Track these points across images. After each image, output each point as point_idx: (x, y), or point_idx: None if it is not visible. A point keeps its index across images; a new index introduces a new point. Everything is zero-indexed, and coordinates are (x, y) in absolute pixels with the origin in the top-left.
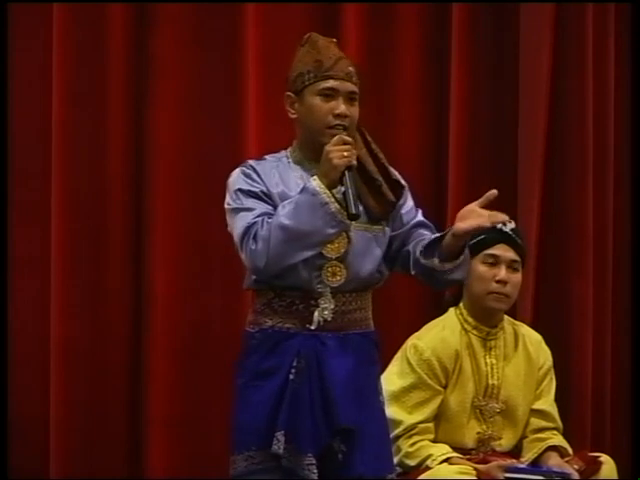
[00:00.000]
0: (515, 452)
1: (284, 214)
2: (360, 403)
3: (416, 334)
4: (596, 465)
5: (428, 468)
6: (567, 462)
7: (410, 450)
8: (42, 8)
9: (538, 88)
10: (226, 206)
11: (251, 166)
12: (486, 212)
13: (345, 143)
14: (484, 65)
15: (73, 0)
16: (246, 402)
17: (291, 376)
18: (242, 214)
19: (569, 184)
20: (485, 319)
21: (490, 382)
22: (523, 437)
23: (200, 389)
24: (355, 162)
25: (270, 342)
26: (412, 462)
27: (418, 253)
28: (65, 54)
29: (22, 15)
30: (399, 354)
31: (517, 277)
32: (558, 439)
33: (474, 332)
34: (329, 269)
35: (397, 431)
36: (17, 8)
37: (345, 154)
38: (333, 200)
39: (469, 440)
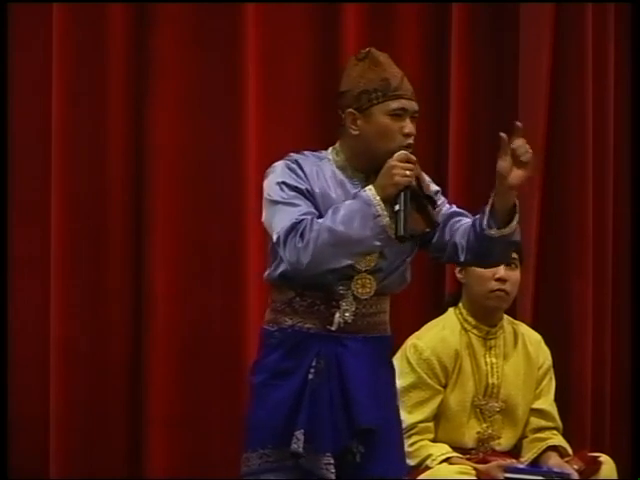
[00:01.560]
0: (515, 452)
1: (336, 218)
2: (378, 405)
3: (416, 334)
4: (596, 465)
5: (428, 468)
6: (567, 462)
7: (410, 450)
8: (42, 8)
9: (538, 88)
10: (267, 197)
11: (296, 161)
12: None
13: (409, 161)
14: (484, 65)
15: (73, 0)
16: (263, 400)
17: (310, 376)
18: (287, 209)
19: (569, 184)
20: (485, 318)
21: (490, 381)
22: (523, 437)
23: (200, 389)
24: (414, 183)
25: (290, 342)
26: (412, 462)
27: (478, 228)
28: (65, 54)
29: (22, 15)
30: (399, 354)
31: (516, 274)
32: (558, 439)
33: (474, 331)
34: (359, 281)
35: None
36: (17, 8)
37: (408, 173)
38: (386, 214)
39: (469, 440)
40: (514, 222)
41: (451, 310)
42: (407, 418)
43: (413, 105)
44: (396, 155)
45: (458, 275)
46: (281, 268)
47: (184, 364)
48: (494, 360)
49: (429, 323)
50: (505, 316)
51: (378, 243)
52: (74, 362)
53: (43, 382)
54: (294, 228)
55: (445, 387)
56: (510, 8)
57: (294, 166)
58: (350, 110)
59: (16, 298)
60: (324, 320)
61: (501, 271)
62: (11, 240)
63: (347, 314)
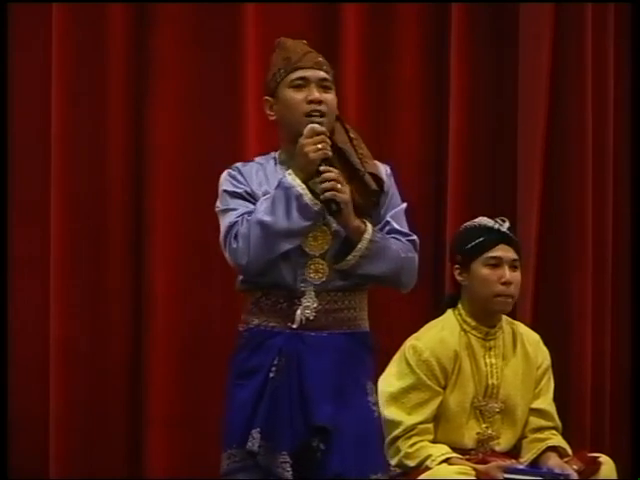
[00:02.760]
0: (514, 452)
1: (261, 210)
2: (340, 402)
3: (415, 335)
4: (595, 465)
5: (428, 468)
6: (566, 462)
7: (409, 451)
8: (42, 8)
9: (537, 88)
10: (215, 209)
11: (237, 168)
12: None
13: (318, 134)
14: (484, 65)
15: (73, 0)
16: (231, 401)
17: (271, 374)
18: (227, 214)
19: (569, 183)
20: (486, 320)
21: (490, 382)
22: (522, 437)
23: (200, 389)
24: (330, 153)
25: (255, 341)
26: (411, 463)
27: None
28: (65, 54)
29: (22, 15)
30: (398, 355)
31: (518, 275)
32: (557, 439)
33: (473, 332)
34: (312, 266)
35: (396, 432)
36: (17, 8)
37: (319, 146)
38: (307, 192)
39: (468, 440)
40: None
41: (450, 311)
42: (407, 419)
43: (317, 74)
44: (305, 132)
45: (458, 277)
46: (239, 283)
47: (184, 364)
48: (494, 361)
49: (428, 324)
50: (504, 316)
51: (307, 222)
52: (74, 362)
53: (43, 382)
54: (229, 231)
55: (444, 388)
56: (510, 8)
57: (234, 173)
58: (266, 98)
59: (16, 298)
60: (287, 318)
61: (507, 274)
62: (11, 240)
63: (308, 311)
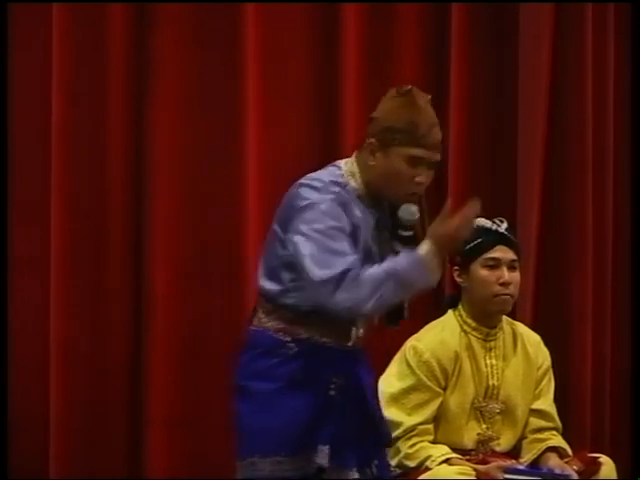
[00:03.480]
0: (514, 452)
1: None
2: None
3: (415, 336)
4: (595, 466)
5: (428, 469)
6: (566, 463)
7: (409, 451)
8: (42, 8)
9: (538, 88)
10: (311, 229)
11: (338, 195)
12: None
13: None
14: (483, 65)
15: (73, 0)
16: (278, 408)
17: (332, 392)
18: (336, 255)
19: (569, 183)
20: (486, 321)
21: (490, 383)
22: (522, 437)
23: (200, 389)
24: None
25: (308, 354)
26: (412, 463)
27: None
28: (65, 54)
29: (22, 15)
30: (398, 356)
31: (517, 276)
32: (557, 440)
33: (474, 333)
34: None
35: (396, 433)
36: (17, 8)
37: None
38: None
39: (469, 441)
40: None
41: (450, 312)
42: (407, 420)
43: (434, 156)
44: (464, 217)
45: (458, 279)
46: (292, 299)
47: (184, 364)
48: (494, 362)
49: (428, 325)
50: (504, 317)
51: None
52: (74, 362)
53: (43, 382)
54: (344, 276)
55: (445, 389)
56: (510, 8)
57: (335, 204)
58: (372, 140)
59: (16, 298)
60: (339, 335)
61: (505, 275)
62: (11, 240)
63: (361, 330)
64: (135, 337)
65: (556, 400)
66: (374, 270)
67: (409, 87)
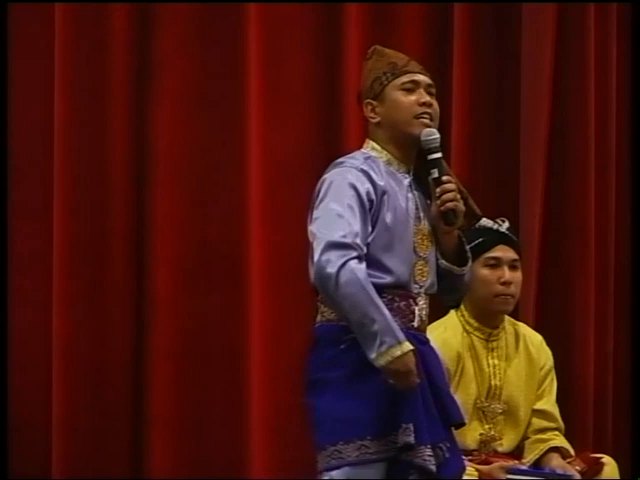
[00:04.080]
0: (517, 453)
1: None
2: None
3: None
4: (598, 466)
5: None
6: (569, 463)
7: None
8: (44, 8)
9: (540, 88)
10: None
11: (357, 169)
12: None
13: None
14: (485, 65)
15: (75, 0)
16: (355, 392)
17: None
18: (342, 219)
19: (571, 185)
20: (488, 321)
21: (493, 383)
22: (525, 438)
23: (201, 389)
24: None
25: None
26: None
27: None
28: (67, 54)
29: (24, 15)
30: None
31: (519, 275)
32: (560, 440)
33: (476, 333)
34: (418, 268)
35: None
36: (18, 8)
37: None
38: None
39: (471, 441)
40: (467, 265)
41: (452, 312)
42: None
43: (424, 78)
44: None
45: None
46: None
47: (185, 364)
48: (496, 362)
49: (431, 325)
50: (506, 317)
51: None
52: (75, 362)
53: (44, 382)
54: (340, 246)
55: None
56: (512, 8)
57: (360, 173)
58: (367, 100)
59: (16, 298)
60: (403, 317)
61: (506, 274)
62: (11, 239)
63: (424, 312)
64: (136, 337)
65: (559, 401)
66: (367, 292)
67: (372, 47)
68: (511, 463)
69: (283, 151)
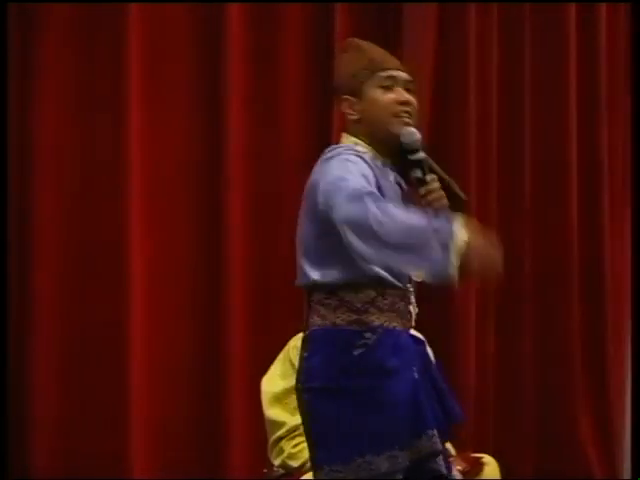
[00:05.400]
0: None
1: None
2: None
3: (298, 335)
4: (479, 466)
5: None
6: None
7: (293, 451)
8: None
9: (420, 86)
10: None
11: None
12: None
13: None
14: None
15: None
16: (377, 402)
17: (416, 375)
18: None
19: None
20: None
21: None
22: None
23: (83, 390)
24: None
25: (389, 341)
26: (295, 463)
27: None
28: None
29: None
30: (281, 356)
31: None
32: None
33: None
34: None
35: (280, 432)
36: None
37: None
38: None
39: None
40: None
41: None
42: (290, 420)
43: (402, 75)
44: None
45: None
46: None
47: (66, 365)
48: None
49: None
50: None
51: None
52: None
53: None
54: (368, 194)
55: None
56: (393, 7)
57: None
58: (344, 97)
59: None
60: (403, 317)
61: None
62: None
63: (416, 309)
64: (18, 337)
65: None
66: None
67: (349, 40)
68: None
69: (164, 152)
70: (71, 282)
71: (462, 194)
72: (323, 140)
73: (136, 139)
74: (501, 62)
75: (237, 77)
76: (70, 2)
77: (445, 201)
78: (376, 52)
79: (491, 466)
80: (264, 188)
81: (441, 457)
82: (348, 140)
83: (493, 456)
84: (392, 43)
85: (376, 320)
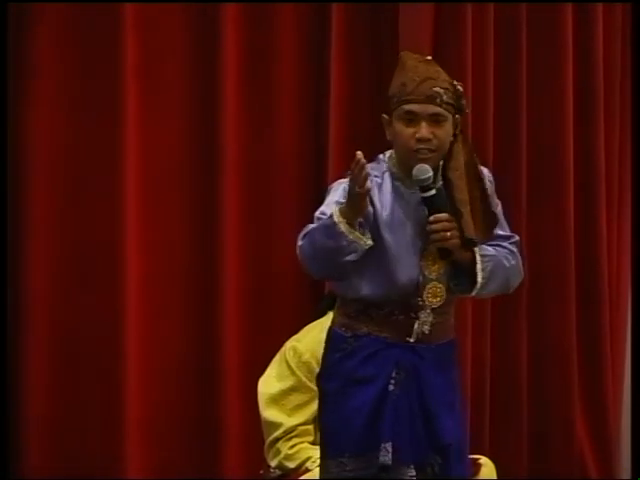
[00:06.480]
0: None
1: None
2: (454, 416)
3: (295, 336)
4: (476, 467)
5: (308, 470)
6: None
7: (290, 452)
8: None
9: None
10: None
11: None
12: None
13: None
14: (363, 65)
15: None
16: (340, 407)
17: (390, 387)
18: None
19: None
20: None
21: None
22: None
23: (76, 390)
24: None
25: (367, 350)
26: (292, 464)
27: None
28: None
29: None
30: (278, 357)
31: None
32: None
33: None
34: (430, 290)
35: (276, 433)
36: None
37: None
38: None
39: None
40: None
41: (330, 313)
42: (287, 421)
43: (427, 108)
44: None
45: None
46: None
47: (60, 365)
48: None
49: (308, 326)
50: None
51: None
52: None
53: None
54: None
55: None
56: (389, 7)
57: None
58: (384, 115)
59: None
60: (401, 330)
61: None
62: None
63: (426, 326)
64: (12, 336)
65: None
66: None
67: (401, 54)
68: None
69: (159, 152)
70: (65, 282)
71: (472, 235)
72: (318, 140)
73: (131, 139)
74: (497, 62)
75: (232, 77)
76: (65, 2)
77: (453, 240)
78: (412, 77)
79: (488, 467)
80: (259, 189)
81: (404, 470)
82: (391, 158)
83: (490, 457)
84: (388, 43)
85: (364, 328)
